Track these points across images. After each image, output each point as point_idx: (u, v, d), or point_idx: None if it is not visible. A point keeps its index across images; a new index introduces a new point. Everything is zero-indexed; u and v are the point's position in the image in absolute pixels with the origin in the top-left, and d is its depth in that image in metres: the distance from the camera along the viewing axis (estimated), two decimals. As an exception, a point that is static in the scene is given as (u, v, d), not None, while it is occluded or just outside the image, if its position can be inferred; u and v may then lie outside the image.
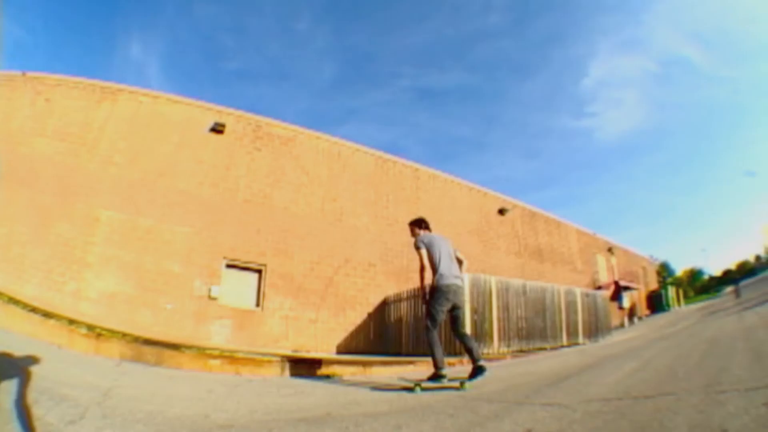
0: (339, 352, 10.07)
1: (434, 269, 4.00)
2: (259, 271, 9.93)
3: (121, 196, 9.89)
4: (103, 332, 6.60)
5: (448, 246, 4.23)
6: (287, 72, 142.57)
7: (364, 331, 10.31)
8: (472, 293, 8.25)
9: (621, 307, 18.43)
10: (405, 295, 9.98)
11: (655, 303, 23.97)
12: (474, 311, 8.17)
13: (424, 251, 4.07)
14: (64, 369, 4.38)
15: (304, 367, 6.21)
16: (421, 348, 7.82)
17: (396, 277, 10.29)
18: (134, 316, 9.50)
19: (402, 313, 10.05)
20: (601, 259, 19.77)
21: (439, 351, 3.85)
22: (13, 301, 6.23)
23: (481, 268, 10.57)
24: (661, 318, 18.49)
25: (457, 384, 3.74)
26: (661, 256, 66.43)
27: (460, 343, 4.08)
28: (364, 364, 6.69)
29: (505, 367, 5.94)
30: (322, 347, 10.06)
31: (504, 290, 9.12)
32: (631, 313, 19.77)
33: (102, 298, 9.48)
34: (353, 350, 10.22)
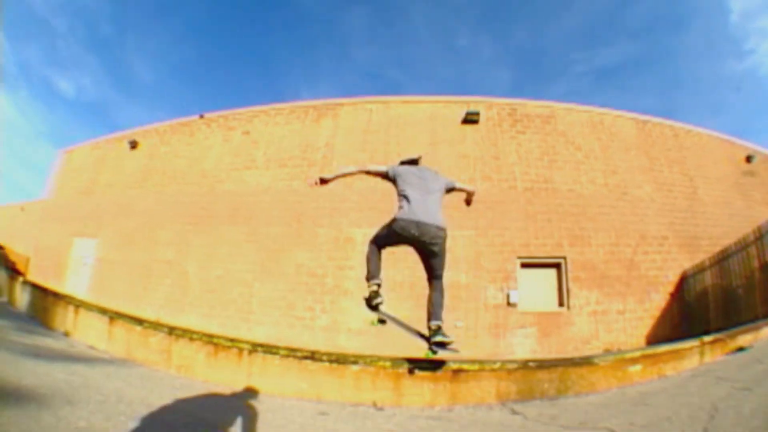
0: (649, 343, 8.78)
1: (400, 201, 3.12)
2: (557, 265, 8.56)
3: (374, 210, 8.46)
4: (465, 366, 3.68)
5: (429, 180, 3.23)
6: (467, 87, 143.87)
7: (669, 314, 9.06)
8: None
9: None
10: (707, 263, 8.93)
11: None
12: None
13: (385, 169, 3.31)
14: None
15: None
16: (733, 320, 6.79)
17: (688, 248, 9.21)
18: (415, 342, 7.89)
19: (706, 284, 8.98)
20: None
21: (371, 263, 3.14)
22: (265, 347, 4.41)
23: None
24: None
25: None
26: None
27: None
28: None
29: None
30: (632, 341, 8.73)
31: None
32: None
33: (368, 328, 7.86)
34: (660, 338, 8.95)
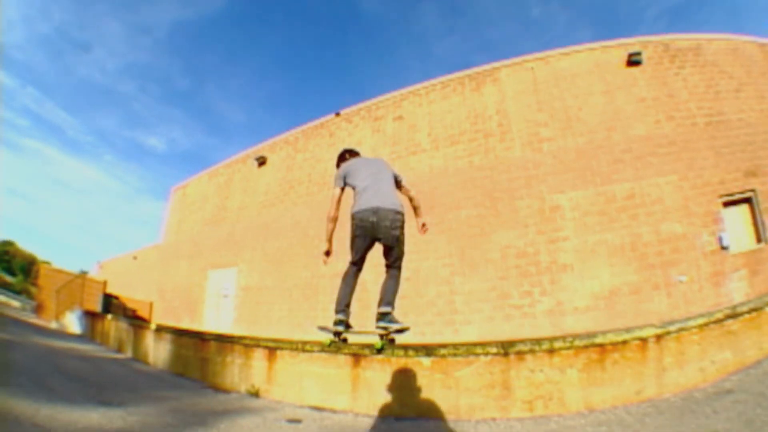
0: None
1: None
2: (748, 200, 8.32)
3: (572, 171, 7.79)
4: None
5: (378, 166, 3.11)
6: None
7: None
8: None
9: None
10: None
11: None
12: None
13: (337, 190, 3.03)
14: None
15: None
16: None
17: None
18: (640, 307, 7.45)
19: None
20: None
21: (340, 290, 2.94)
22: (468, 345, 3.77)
23: None
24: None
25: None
26: None
27: None
28: None
29: None
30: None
31: None
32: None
33: (596, 302, 7.29)
34: None
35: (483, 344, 4.29)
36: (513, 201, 7.70)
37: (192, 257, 9.94)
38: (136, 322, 8.39)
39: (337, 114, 9.02)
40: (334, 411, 4.59)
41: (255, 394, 5.29)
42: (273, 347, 5.27)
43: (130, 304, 14.42)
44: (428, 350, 4.28)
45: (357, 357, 4.59)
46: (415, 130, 8.27)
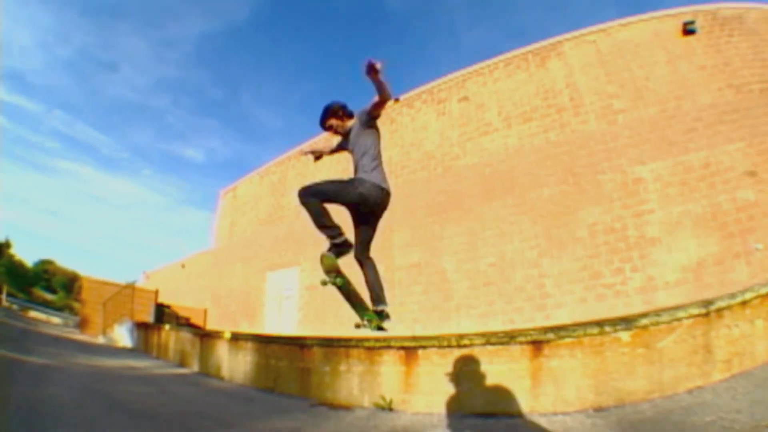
0: None
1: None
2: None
3: (649, 142, 7.63)
4: None
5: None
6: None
7: None
8: None
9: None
10: None
11: None
12: None
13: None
14: None
15: None
16: None
17: None
18: (724, 278, 7.39)
19: None
20: None
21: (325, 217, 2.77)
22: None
23: None
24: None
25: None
26: None
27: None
28: None
29: None
30: None
31: None
32: None
33: (685, 275, 7.19)
34: None
35: (683, 307, 3.88)
36: (595, 176, 7.42)
37: (247, 260, 9.14)
38: (202, 331, 7.45)
39: (396, 100, 8.48)
40: (510, 415, 3.94)
41: (387, 408, 4.43)
42: (412, 347, 4.60)
43: (182, 313, 13.95)
44: (627, 322, 3.81)
45: (538, 345, 4.00)
46: (484, 109, 7.86)
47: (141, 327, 9.80)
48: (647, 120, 7.68)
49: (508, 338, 4.14)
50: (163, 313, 12.76)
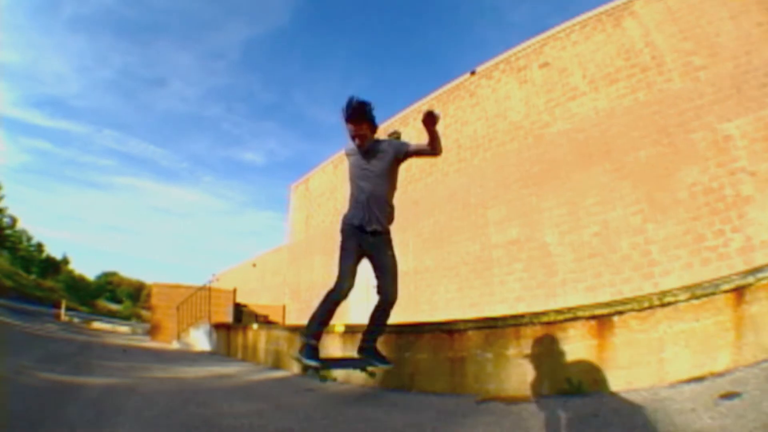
0: None
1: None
2: None
3: (729, 100, 7.49)
4: None
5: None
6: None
7: None
8: None
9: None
10: None
11: None
12: None
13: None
14: None
15: None
16: None
17: None
18: None
19: None
20: None
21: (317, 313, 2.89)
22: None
23: None
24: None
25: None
26: None
27: None
28: None
29: None
30: None
31: None
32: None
33: None
34: None
35: None
36: (688, 135, 7.17)
37: (327, 252, 8.35)
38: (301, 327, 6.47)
39: (473, 73, 7.90)
40: (718, 374, 3.37)
41: (575, 392, 3.73)
42: (605, 314, 3.91)
43: (259, 311, 13.90)
44: None
45: (740, 291, 3.48)
46: (567, 74, 7.43)
47: (221, 328, 9.22)
48: (726, 75, 7.53)
49: (714, 287, 3.63)
50: (241, 312, 12.41)
